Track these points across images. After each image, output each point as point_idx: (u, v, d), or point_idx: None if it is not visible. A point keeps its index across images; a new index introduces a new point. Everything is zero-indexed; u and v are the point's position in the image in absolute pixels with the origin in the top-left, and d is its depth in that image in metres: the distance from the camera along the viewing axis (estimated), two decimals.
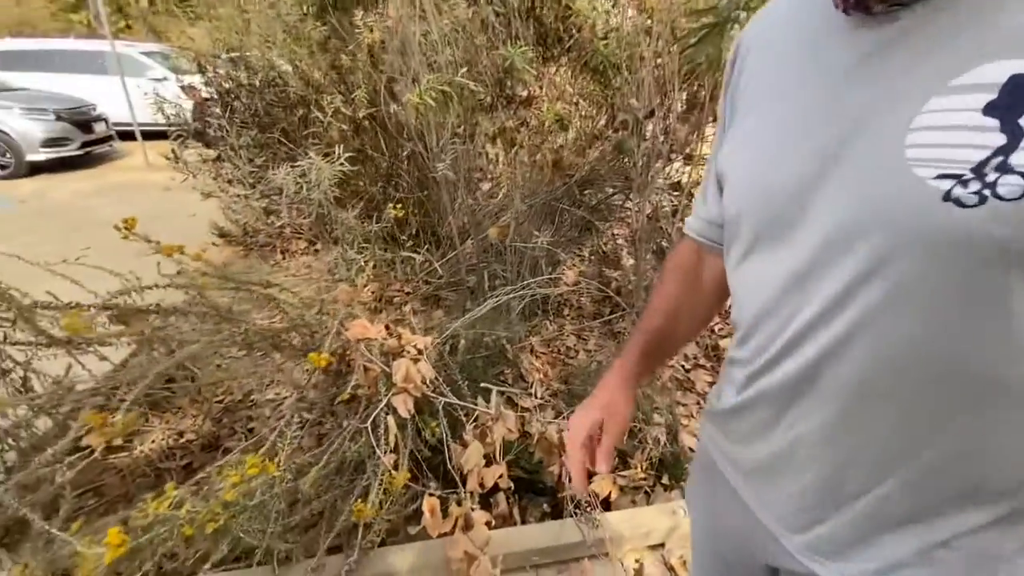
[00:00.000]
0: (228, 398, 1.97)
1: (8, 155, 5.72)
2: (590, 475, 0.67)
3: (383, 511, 1.20)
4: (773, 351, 0.46)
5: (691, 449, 1.57)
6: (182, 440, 1.74)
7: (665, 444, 1.49)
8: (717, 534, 0.66)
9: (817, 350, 0.42)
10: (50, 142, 5.85)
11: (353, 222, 1.98)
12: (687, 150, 1.96)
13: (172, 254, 1.19)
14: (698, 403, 2.06)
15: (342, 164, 1.97)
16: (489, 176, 2.66)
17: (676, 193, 2.31)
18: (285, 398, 2.02)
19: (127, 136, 6.72)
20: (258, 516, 1.05)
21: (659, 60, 1.41)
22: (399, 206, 1.40)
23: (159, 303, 1.32)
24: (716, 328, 2.54)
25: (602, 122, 2.13)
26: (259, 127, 2.58)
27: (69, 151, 6.02)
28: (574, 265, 3.11)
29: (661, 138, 1.46)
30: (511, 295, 1.91)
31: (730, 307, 0.57)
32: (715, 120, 1.85)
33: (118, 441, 1.74)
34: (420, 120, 1.73)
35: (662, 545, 1.39)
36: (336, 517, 1.27)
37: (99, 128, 6.49)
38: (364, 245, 2.11)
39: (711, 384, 2.18)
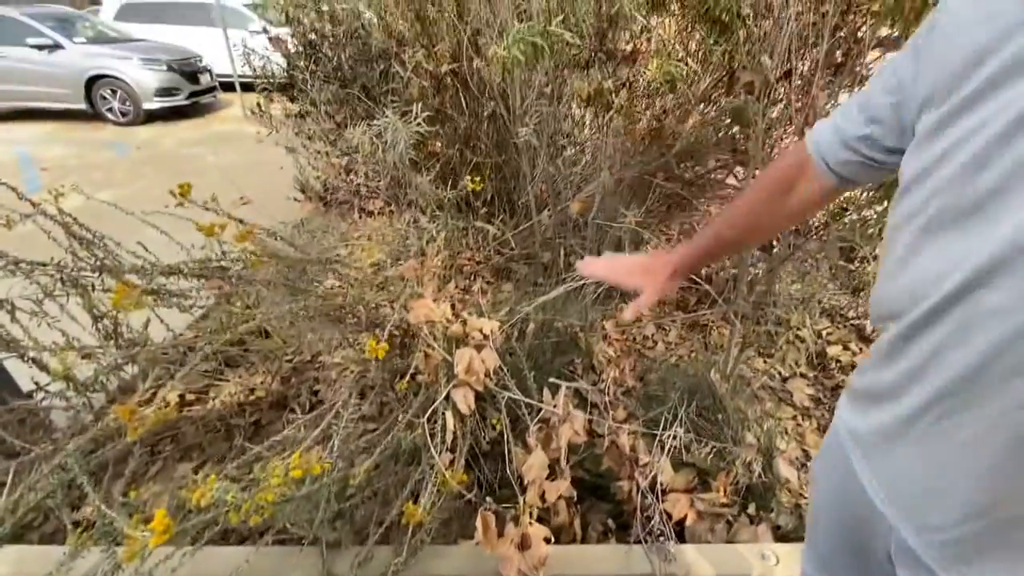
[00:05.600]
0: (297, 358, 1.98)
1: (128, 103, 6.23)
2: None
3: (434, 509, 1.12)
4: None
5: (788, 480, 1.34)
6: (252, 397, 1.78)
7: (759, 474, 1.28)
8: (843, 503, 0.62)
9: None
10: (162, 92, 6.28)
11: (427, 187, 1.86)
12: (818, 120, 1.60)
13: (212, 235, 1.12)
14: (795, 418, 1.79)
15: (419, 124, 1.84)
16: (574, 141, 2.43)
17: None
18: (350, 365, 2.00)
19: (229, 87, 7.06)
20: (305, 506, 0.99)
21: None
22: (476, 178, 1.24)
23: (234, 264, 1.30)
24: (824, 333, 2.20)
25: (710, 84, 1.81)
26: (340, 82, 2.51)
27: (178, 101, 6.45)
28: (659, 245, 2.83)
29: (797, 104, 1.16)
30: (588, 279, 1.72)
31: None
32: (854, 84, 1.50)
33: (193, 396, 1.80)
34: (505, 77, 1.54)
35: None
36: (388, 506, 1.21)
37: (204, 79, 6.87)
38: (437, 212, 2.00)
39: (812, 398, 1.89)
